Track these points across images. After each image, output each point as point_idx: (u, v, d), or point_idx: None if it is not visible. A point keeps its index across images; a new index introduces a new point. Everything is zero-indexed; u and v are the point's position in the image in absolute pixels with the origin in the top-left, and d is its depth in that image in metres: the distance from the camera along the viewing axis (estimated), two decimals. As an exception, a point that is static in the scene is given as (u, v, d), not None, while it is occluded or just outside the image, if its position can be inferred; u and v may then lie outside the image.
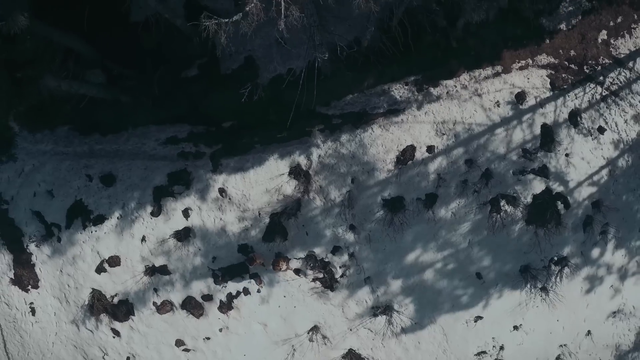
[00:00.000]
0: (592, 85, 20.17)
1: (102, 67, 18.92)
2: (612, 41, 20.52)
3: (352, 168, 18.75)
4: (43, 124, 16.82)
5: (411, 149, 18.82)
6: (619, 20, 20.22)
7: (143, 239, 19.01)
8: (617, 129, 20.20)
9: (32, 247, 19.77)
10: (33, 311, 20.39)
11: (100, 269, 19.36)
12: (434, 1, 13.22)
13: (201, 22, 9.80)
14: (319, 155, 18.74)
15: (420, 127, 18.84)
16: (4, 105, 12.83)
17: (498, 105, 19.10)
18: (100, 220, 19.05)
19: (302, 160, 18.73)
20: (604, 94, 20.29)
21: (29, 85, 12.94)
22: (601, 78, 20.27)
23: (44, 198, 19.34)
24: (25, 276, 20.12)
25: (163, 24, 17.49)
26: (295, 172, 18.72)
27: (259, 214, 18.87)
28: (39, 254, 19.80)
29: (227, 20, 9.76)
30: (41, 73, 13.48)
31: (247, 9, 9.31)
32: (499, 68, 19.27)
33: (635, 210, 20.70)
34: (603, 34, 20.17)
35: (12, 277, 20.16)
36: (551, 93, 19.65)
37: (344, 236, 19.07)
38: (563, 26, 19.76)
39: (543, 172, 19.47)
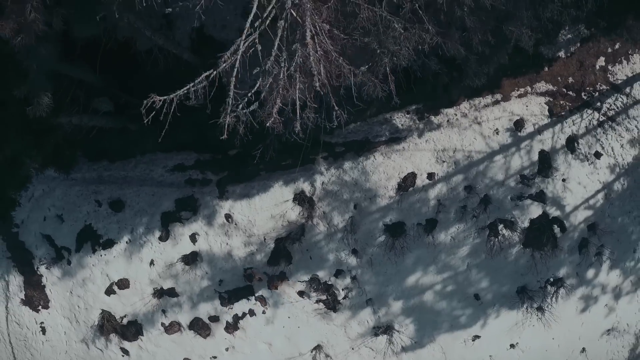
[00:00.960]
0: (590, 111, 21.53)
1: (109, 94, 20.14)
2: (609, 67, 21.83)
3: (355, 194, 20.15)
4: (58, 166, 18.08)
5: (412, 176, 20.21)
6: (616, 46, 21.51)
7: (151, 262, 20.45)
8: (614, 154, 21.61)
9: (42, 270, 21.18)
10: (43, 330, 21.88)
11: (109, 291, 20.81)
12: (434, 62, 14.38)
13: (220, 119, 11.04)
14: (323, 182, 20.13)
15: (421, 155, 20.21)
16: (22, 159, 14.04)
17: (497, 133, 20.46)
18: (109, 244, 20.46)
19: (306, 187, 20.12)
20: (601, 119, 21.66)
21: (46, 135, 14.16)
22: (598, 104, 21.62)
23: (53, 222, 20.71)
24: (35, 297, 21.57)
25: (170, 54, 18.68)
26: (300, 198, 20.11)
27: (264, 239, 20.30)
28: (50, 276, 21.22)
29: (245, 110, 11.02)
30: (57, 119, 14.68)
31: (266, 111, 10.58)
32: (498, 96, 20.59)
33: (630, 232, 22.21)
34: (601, 61, 21.46)
35: (23, 297, 21.60)
36: (549, 120, 21.01)
37: (346, 260, 20.55)
38: (562, 54, 21.03)
39: (540, 197, 20.91)
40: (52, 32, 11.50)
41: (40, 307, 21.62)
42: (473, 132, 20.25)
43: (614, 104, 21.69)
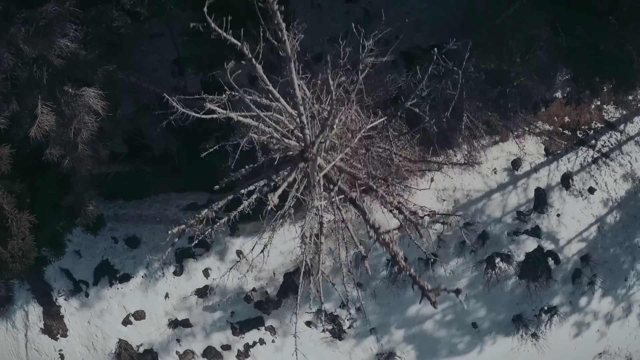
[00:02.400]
0: (585, 149, 23.91)
1: (123, 137, 22.35)
2: (604, 106, 24.17)
3: (360, 232, 22.62)
4: (87, 228, 20.13)
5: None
6: (612, 85, 23.77)
7: (166, 295, 22.95)
8: (607, 188, 24.07)
9: (61, 301, 23.65)
10: (62, 357, 24.44)
11: (126, 322, 23.33)
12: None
13: (238, 259, 13.37)
14: (329, 221, 22.53)
15: (423, 194, 22.61)
16: (60, 238, 16.28)
17: (495, 172, 22.86)
18: (126, 278, 22.92)
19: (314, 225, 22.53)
20: (595, 156, 24.07)
21: (78, 209, 16.40)
22: (593, 141, 23.99)
23: (72, 257, 23.09)
24: (54, 326, 24.10)
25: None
26: (307, 236, 22.55)
27: (274, 273, 22.81)
28: (68, 307, 23.70)
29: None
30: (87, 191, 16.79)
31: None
32: (497, 137, 22.94)
33: (622, 261, 24.78)
34: (596, 100, 23.80)
35: (42, 327, 24.11)
36: (545, 158, 23.40)
37: (351, 293, 23.04)
38: (559, 94, 23.35)
39: (535, 232, 23.41)
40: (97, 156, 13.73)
41: (59, 336, 24.15)
42: (472, 171, 22.67)
43: (608, 140, 24.06)
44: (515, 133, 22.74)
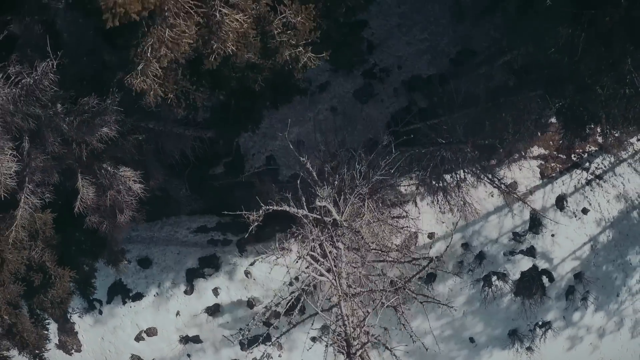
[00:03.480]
0: (579, 172, 25.87)
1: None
2: (598, 129, 26.04)
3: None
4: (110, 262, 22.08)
5: (414, 236, 24.70)
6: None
7: (177, 313, 25.01)
8: (600, 209, 26.08)
9: (75, 318, 25.68)
10: (76, 371, 26.63)
11: (139, 338, 25.42)
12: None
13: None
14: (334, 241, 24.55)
15: (423, 217, 24.64)
16: (91, 281, 18.33)
17: (492, 196, 24.85)
18: (138, 297, 24.96)
19: (318, 245, 24.53)
20: (589, 178, 26.04)
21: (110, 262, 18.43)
22: (587, 164, 25.96)
23: (86, 277, 25.14)
24: (69, 342, 26.17)
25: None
26: (313, 256, 24.56)
27: (281, 292, 24.84)
28: (82, 324, 25.73)
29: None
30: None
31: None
32: (493, 162, 24.90)
33: (614, 278, 26.87)
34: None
35: (57, 342, 26.16)
36: (540, 181, 25.40)
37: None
38: (554, 119, 25.22)
39: (530, 252, 25.47)
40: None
41: (73, 351, 26.24)
42: (469, 195, 24.63)
43: (602, 163, 26.03)
44: (511, 158, 24.70)
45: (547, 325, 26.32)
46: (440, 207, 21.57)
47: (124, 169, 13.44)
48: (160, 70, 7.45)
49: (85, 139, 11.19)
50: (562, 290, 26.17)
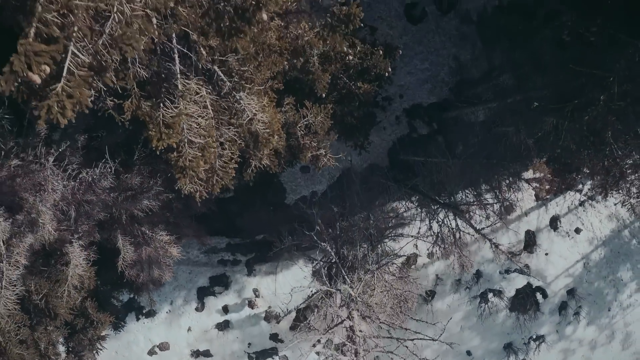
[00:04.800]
0: (572, 193, 28.23)
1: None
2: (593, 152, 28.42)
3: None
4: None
5: (414, 256, 27.08)
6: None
7: (189, 329, 27.45)
8: (592, 228, 28.48)
9: (91, 332, 28.16)
10: (92, 382, 29.08)
11: (151, 352, 27.87)
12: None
13: None
14: (337, 262, 26.94)
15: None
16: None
17: (488, 218, 27.19)
18: (151, 314, 27.37)
19: (322, 264, 26.93)
20: (582, 199, 28.40)
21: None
22: (580, 186, 28.31)
23: (102, 294, 27.55)
24: (85, 356, 28.62)
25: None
26: (317, 274, 26.97)
27: (287, 309, 27.26)
28: (98, 338, 28.22)
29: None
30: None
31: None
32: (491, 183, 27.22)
33: (606, 293, 29.34)
34: (583, 148, 28.05)
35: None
36: (535, 203, 27.75)
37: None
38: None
39: (525, 270, 27.90)
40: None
41: (89, 363, 28.72)
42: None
43: (594, 184, 28.37)
44: (507, 182, 27.00)
45: (541, 338, 28.82)
46: (438, 255, 23.89)
47: (161, 233, 15.71)
48: (204, 175, 9.53)
49: (127, 208, 13.42)
50: (556, 305, 28.63)
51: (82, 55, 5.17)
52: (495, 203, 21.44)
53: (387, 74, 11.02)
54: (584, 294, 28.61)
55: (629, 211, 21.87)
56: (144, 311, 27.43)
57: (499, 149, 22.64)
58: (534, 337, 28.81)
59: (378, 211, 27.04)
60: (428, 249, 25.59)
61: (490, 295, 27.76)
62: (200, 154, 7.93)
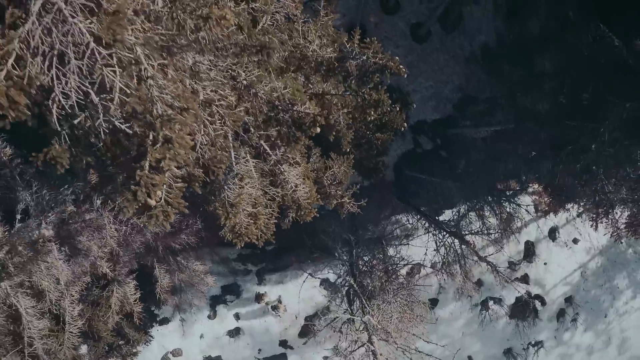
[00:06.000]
0: (570, 204, 30.18)
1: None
2: (593, 167, 30.44)
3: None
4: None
5: (418, 266, 29.10)
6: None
7: (201, 336, 29.45)
8: (590, 238, 30.53)
9: (106, 338, 30.16)
10: (106, 386, 31.12)
11: (165, 358, 29.88)
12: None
13: None
14: (344, 271, 28.95)
15: (426, 248, 29.00)
16: None
17: (488, 231, 29.23)
18: (165, 321, 29.34)
19: (330, 275, 28.95)
20: (580, 210, 30.39)
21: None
22: (578, 198, 30.29)
23: (117, 302, 29.54)
24: (100, 361, 30.65)
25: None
26: (325, 284, 29.01)
27: (296, 317, 29.30)
28: (113, 344, 30.21)
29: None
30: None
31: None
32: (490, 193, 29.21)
33: (602, 301, 31.47)
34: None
35: (89, 360, 30.67)
36: (535, 215, 29.78)
37: (363, 333, 29.70)
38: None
39: (525, 279, 29.96)
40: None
41: (104, 369, 30.74)
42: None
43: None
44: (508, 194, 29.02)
45: (539, 344, 30.96)
46: (444, 278, 25.95)
47: (196, 263, 17.67)
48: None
49: (166, 243, 15.31)
50: (554, 312, 30.76)
51: (179, 171, 7.01)
52: (496, 218, 23.40)
53: (402, 129, 12.85)
54: (581, 301, 30.73)
55: (616, 242, 23.88)
56: (157, 319, 29.42)
57: (499, 168, 24.69)
58: (533, 342, 30.94)
59: (384, 223, 29.07)
60: (431, 260, 27.59)
61: (491, 303, 29.83)
62: (252, 222, 9.82)
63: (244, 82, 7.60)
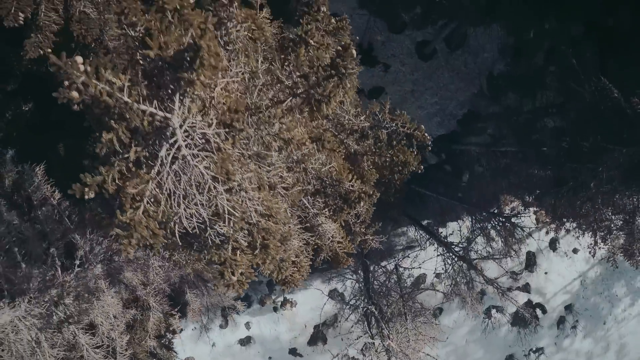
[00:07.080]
0: (570, 223, 31.94)
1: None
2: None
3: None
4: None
5: (423, 276, 30.81)
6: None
7: (213, 344, 31.12)
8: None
9: (120, 347, 31.79)
10: (120, 392, 32.78)
11: (178, 365, 31.58)
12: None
13: None
14: (352, 282, 30.62)
15: (431, 259, 30.69)
16: None
17: (492, 240, 30.92)
18: (177, 331, 31.00)
19: (339, 286, 30.63)
20: (580, 220, 32.13)
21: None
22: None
23: (131, 312, 31.14)
24: (114, 368, 32.28)
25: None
26: (333, 294, 30.69)
27: (305, 325, 31.00)
28: (126, 352, 31.85)
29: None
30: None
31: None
32: (494, 209, 30.90)
33: (601, 308, 33.30)
34: (581, 174, 31.81)
35: (103, 368, 32.30)
36: (535, 226, 31.49)
37: (371, 341, 31.45)
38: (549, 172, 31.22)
39: (526, 288, 31.73)
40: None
41: (118, 376, 32.37)
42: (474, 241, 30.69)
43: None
44: (511, 206, 30.74)
45: (540, 350, 32.80)
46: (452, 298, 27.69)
47: (224, 288, 19.29)
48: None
49: (197, 270, 16.88)
50: (554, 320, 32.58)
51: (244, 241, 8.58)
52: (502, 240, 25.09)
53: (420, 171, 14.41)
54: (580, 309, 32.55)
55: (612, 266, 25.65)
56: (170, 328, 31.03)
57: (502, 184, 26.35)
58: (534, 349, 32.77)
59: (390, 234, 30.75)
60: (435, 270, 29.30)
61: (493, 311, 31.61)
62: (297, 270, 11.40)
63: (295, 158, 9.15)
